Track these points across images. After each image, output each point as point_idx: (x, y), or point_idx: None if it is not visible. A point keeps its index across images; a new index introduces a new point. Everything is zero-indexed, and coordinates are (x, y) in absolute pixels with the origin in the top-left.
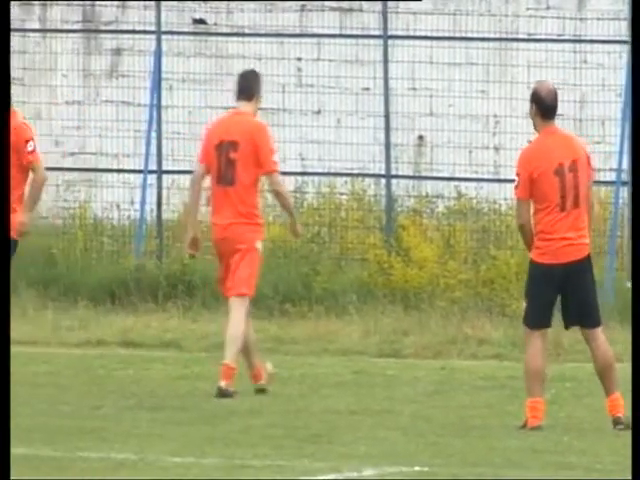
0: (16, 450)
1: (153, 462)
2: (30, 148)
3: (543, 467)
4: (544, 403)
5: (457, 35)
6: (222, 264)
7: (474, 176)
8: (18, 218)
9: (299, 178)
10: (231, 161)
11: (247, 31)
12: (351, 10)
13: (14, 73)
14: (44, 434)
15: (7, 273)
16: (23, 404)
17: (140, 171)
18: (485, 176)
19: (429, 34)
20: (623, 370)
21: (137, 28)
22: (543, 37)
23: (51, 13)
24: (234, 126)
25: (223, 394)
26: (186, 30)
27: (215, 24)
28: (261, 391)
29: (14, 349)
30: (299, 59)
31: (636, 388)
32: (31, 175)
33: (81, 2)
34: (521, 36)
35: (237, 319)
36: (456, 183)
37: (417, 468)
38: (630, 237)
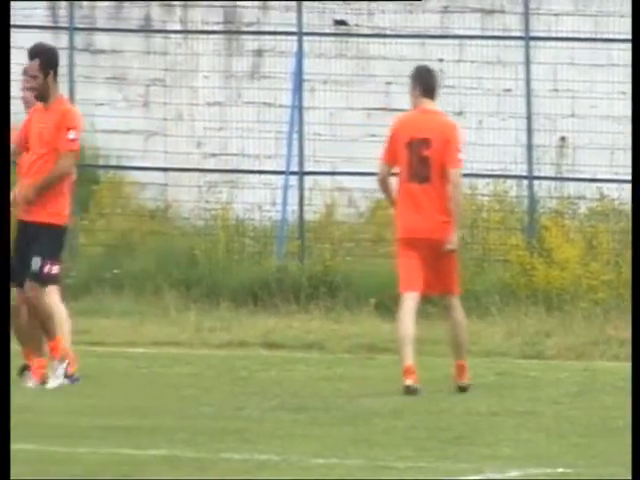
0: (159, 451)
1: (295, 463)
2: (71, 136)
3: None
4: None
5: (599, 36)
6: (414, 261)
7: (616, 177)
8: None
9: None
10: (424, 158)
11: (388, 32)
12: (493, 11)
13: (156, 74)
14: (187, 435)
15: (7, 273)
16: (166, 405)
17: (282, 172)
18: (627, 177)
19: (571, 35)
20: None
21: (278, 29)
22: None
23: (192, 14)
24: (424, 124)
25: (463, 389)
26: (327, 31)
27: (356, 25)
28: (412, 391)
29: (157, 350)
30: (441, 60)
31: (636, 388)
32: (64, 162)
33: (222, 3)
34: None
35: (461, 318)
36: (598, 184)
37: (561, 469)
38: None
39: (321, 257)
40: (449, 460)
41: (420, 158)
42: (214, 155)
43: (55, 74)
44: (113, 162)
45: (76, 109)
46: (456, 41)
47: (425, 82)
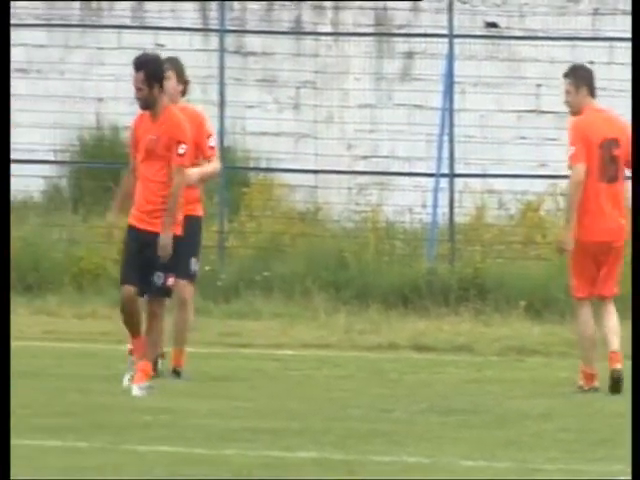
0: (308, 454)
1: (445, 466)
2: (181, 151)
3: None
4: None
5: None
6: (591, 266)
7: None
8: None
9: None
10: (614, 158)
11: (540, 34)
12: None
13: (307, 76)
14: (335, 437)
15: (7, 273)
16: (315, 407)
17: (432, 175)
18: None
19: None
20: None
21: (429, 31)
22: None
23: (343, 16)
24: (610, 124)
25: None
26: (478, 33)
27: (507, 27)
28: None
29: (306, 352)
30: (591, 62)
31: (636, 388)
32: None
33: (373, 5)
34: None
35: (615, 319)
36: None
37: None
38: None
39: (471, 259)
40: (598, 462)
41: (611, 158)
42: (364, 157)
43: (161, 86)
44: (263, 164)
45: (185, 120)
46: (606, 43)
47: (590, 82)
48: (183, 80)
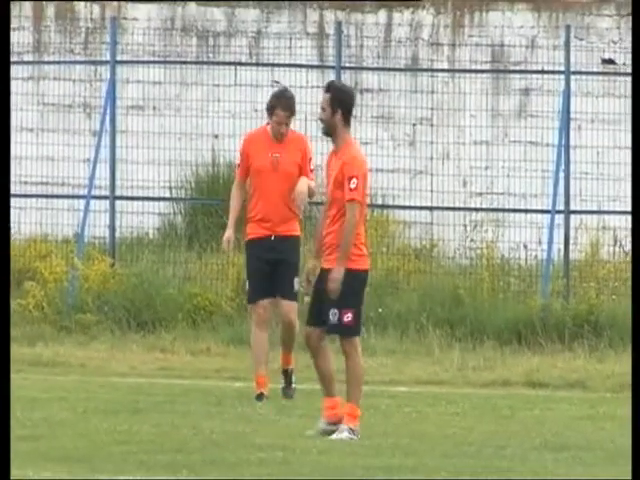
0: None
1: None
2: (353, 185)
3: None
4: None
5: None
6: None
7: None
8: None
9: None
10: None
11: None
12: None
13: (423, 113)
14: (449, 474)
15: (7, 273)
16: (429, 444)
17: (547, 211)
18: None
19: None
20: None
21: (545, 68)
22: None
23: (460, 53)
24: None
25: None
26: (595, 70)
27: (624, 64)
28: None
29: (420, 389)
30: None
31: (636, 388)
32: (349, 214)
33: (489, 42)
34: None
35: None
36: None
37: None
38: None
39: (586, 296)
40: None
41: None
42: (480, 194)
43: (344, 115)
44: (379, 201)
45: (361, 155)
46: None
47: None
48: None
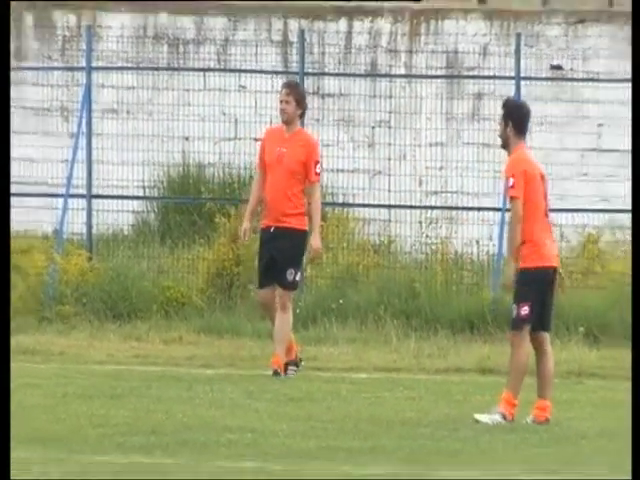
0: (381, 469)
1: None
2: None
3: None
4: None
5: None
6: None
7: None
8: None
9: None
10: None
11: (601, 77)
12: None
13: (381, 116)
14: (405, 454)
15: (7, 273)
16: (387, 427)
17: (499, 209)
18: None
19: None
20: None
21: (497, 74)
22: None
23: (416, 60)
24: None
25: None
26: (544, 76)
27: (571, 70)
28: None
29: (378, 375)
30: None
31: (636, 388)
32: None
33: (444, 49)
34: None
35: None
36: None
37: None
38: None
39: None
40: None
41: None
42: (435, 193)
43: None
44: (340, 200)
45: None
46: None
47: None
48: (302, 106)
